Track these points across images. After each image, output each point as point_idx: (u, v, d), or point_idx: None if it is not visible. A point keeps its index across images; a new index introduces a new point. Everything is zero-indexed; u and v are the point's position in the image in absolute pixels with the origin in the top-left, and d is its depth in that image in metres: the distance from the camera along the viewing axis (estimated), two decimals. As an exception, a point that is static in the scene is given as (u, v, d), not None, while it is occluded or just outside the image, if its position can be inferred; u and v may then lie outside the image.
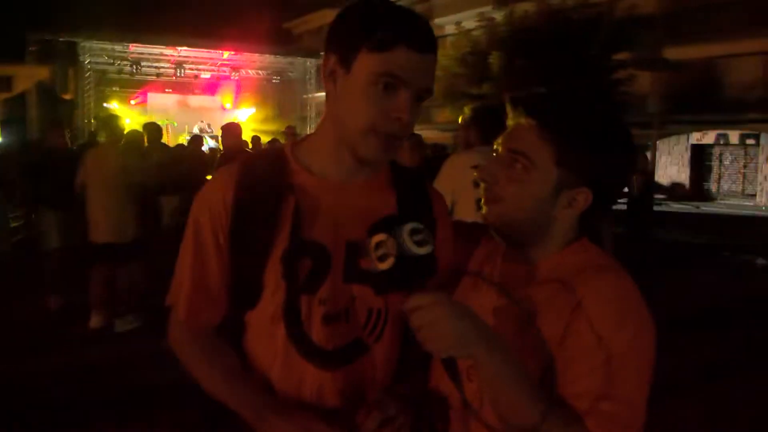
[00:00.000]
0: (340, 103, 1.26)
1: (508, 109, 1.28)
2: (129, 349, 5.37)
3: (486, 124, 3.65)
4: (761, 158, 23.28)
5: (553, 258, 1.26)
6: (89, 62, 21.92)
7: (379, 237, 1.12)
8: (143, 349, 5.01)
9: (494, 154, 1.29)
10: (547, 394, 1.11)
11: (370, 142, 1.24)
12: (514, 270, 1.28)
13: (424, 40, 1.22)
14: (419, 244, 1.10)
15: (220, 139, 11.82)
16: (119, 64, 22.61)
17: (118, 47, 21.80)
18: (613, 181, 1.25)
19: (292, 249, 1.28)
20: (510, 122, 1.27)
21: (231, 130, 6.98)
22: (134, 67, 22.63)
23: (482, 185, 1.28)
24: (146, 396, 4.40)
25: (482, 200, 1.28)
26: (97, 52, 21.86)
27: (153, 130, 7.95)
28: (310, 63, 25.13)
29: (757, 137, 23.09)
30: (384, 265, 1.12)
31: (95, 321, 5.90)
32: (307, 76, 25.31)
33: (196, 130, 21.82)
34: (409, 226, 1.11)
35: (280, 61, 25.52)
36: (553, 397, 1.11)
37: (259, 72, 25.55)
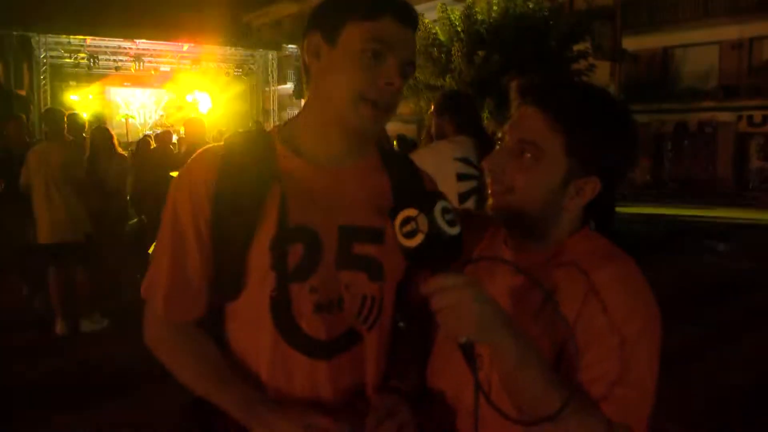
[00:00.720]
0: (326, 78, 1.26)
1: (514, 96, 1.28)
2: (97, 349, 5.31)
3: (460, 113, 3.60)
4: (719, 146, 23.79)
5: (561, 245, 1.25)
6: (44, 57, 21.38)
7: (410, 212, 1.05)
8: (111, 348, 4.94)
9: (499, 143, 1.27)
10: (565, 380, 1.10)
11: (361, 110, 1.23)
12: (523, 258, 1.26)
13: (409, 13, 1.27)
14: (450, 223, 1.04)
15: (181, 133, 11.68)
16: (76, 58, 22.10)
17: (74, 41, 21.27)
18: (621, 170, 1.25)
19: (281, 236, 1.24)
20: (514, 110, 1.26)
21: (194, 126, 6.90)
22: (92, 60, 22.13)
23: (489, 176, 1.26)
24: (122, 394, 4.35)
25: (489, 190, 1.26)
26: (52, 47, 21.33)
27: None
28: (272, 56, 24.89)
29: (714, 125, 23.58)
30: (412, 242, 1.04)
31: (60, 327, 5.73)
32: (270, 69, 25.06)
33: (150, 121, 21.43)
34: (441, 204, 1.05)
35: (240, 53, 25.20)
36: (573, 383, 1.10)
37: (220, 65, 25.21)
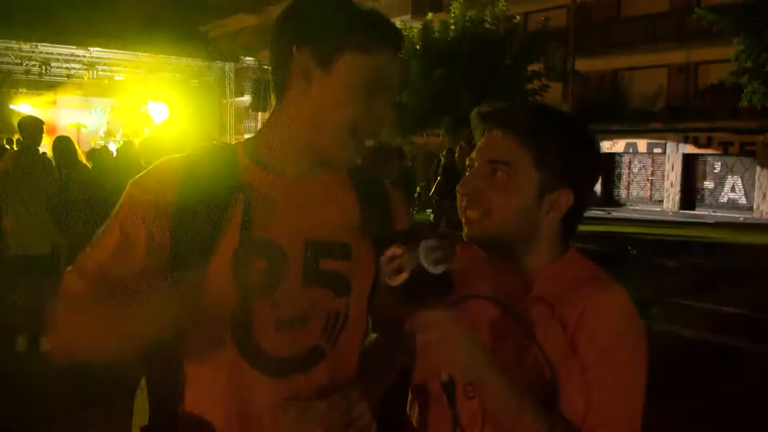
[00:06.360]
0: (316, 102, 1.20)
1: (477, 123, 1.28)
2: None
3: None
4: (667, 166, 24.46)
5: (547, 270, 1.26)
6: (-6, 62, 20.89)
7: (395, 250, 1.06)
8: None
9: (467, 170, 1.27)
10: (551, 412, 1.11)
11: (348, 143, 1.22)
12: (508, 282, 1.26)
13: (401, 42, 1.25)
14: (436, 262, 1.04)
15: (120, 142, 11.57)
16: (27, 65, 21.61)
17: (25, 46, 20.81)
18: (589, 181, 1.28)
19: (243, 250, 1.20)
20: (478, 137, 1.28)
21: (152, 144, 6.82)
22: (43, 67, 21.66)
23: (464, 201, 1.25)
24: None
25: (464, 219, 1.26)
26: (1, 52, 20.83)
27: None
28: (229, 67, 24.67)
29: (663, 146, 24.24)
30: (396, 281, 1.05)
31: (21, 343, 5.51)
32: (227, 81, 24.82)
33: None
34: (427, 243, 1.05)
35: (197, 64, 24.93)
36: (557, 415, 1.11)
37: (176, 75, 24.90)
